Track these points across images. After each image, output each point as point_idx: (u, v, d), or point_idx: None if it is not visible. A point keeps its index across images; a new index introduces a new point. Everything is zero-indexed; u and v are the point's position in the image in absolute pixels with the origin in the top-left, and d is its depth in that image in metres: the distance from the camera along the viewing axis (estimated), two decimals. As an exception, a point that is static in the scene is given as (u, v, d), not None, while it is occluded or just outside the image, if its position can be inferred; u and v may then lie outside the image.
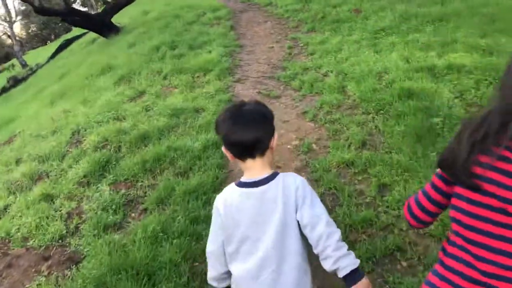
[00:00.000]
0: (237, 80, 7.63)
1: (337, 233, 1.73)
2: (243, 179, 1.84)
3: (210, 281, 1.98)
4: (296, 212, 1.75)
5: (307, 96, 6.59)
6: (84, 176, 5.12)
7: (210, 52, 9.24)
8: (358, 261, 1.72)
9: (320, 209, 1.76)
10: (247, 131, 1.74)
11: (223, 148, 1.86)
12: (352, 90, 6.35)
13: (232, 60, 8.73)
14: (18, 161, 6.10)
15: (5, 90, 21.91)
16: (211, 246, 1.91)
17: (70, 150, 5.92)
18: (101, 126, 6.28)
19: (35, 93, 12.27)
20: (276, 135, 1.84)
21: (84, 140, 6.08)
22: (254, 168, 1.81)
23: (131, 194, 4.65)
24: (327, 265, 1.72)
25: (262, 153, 1.80)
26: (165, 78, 8.16)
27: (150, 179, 4.82)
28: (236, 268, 1.85)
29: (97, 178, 5.05)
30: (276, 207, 1.75)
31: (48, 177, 5.36)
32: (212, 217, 1.91)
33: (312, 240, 1.74)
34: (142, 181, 4.81)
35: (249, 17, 12.58)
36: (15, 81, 22.02)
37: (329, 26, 9.97)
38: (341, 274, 1.69)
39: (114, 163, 5.28)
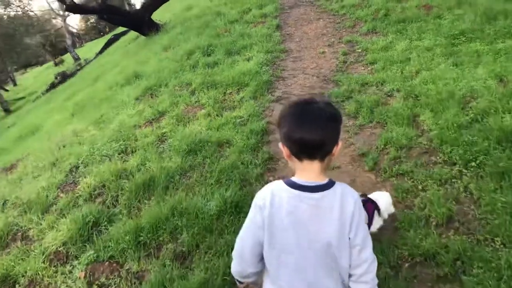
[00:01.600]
0: (276, 99, 6.08)
1: (376, 262, 1.67)
2: (296, 179, 1.63)
3: (234, 274, 1.81)
4: (350, 227, 1.61)
5: (365, 128, 4.95)
6: (63, 244, 3.78)
7: (248, 60, 7.73)
8: None
9: (368, 232, 1.66)
10: (313, 130, 1.56)
11: (280, 144, 1.65)
12: (428, 122, 4.65)
13: (273, 71, 7.18)
14: (4, 205, 4.87)
15: (53, 86, 21.43)
16: (245, 242, 1.70)
17: (60, 196, 4.64)
18: (103, 163, 4.95)
19: (65, 98, 11.25)
20: (340, 143, 1.62)
21: (80, 181, 4.76)
22: (311, 171, 1.62)
23: (111, 286, 3.25)
24: None
25: (322, 158, 1.62)
26: (192, 93, 6.74)
27: (140, 261, 3.40)
28: (278, 275, 1.68)
29: (78, 250, 3.71)
30: (332, 217, 1.60)
31: (22, 238, 4.08)
32: (252, 212, 1.68)
33: (356, 261, 1.64)
34: (129, 264, 3.40)
35: (299, 13, 10.93)
36: (63, 77, 21.48)
37: (393, 26, 8.17)
38: None
39: (103, 225, 3.94)
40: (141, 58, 9.85)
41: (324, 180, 1.65)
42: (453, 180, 3.71)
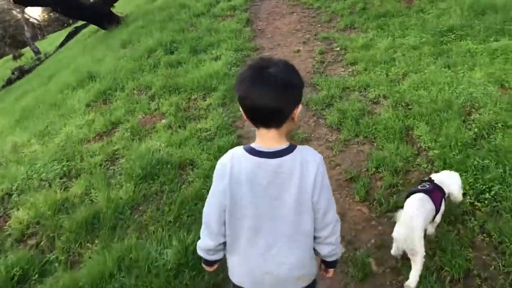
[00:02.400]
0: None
1: (339, 223, 1.68)
2: (255, 145, 1.59)
3: (200, 251, 1.77)
4: (312, 191, 1.57)
5: (351, 144, 4.23)
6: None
7: (216, 59, 6.90)
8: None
9: (331, 193, 1.64)
10: (265, 98, 1.48)
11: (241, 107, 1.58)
12: (424, 139, 3.96)
13: (244, 72, 6.36)
14: None
15: (10, 82, 20.01)
16: (210, 210, 1.68)
17: (-16, 235, 3.73)
18: (41, 191, 4.07)
19: (17, 98, 10.17)
20: (300, 107, 1.56)
21: (12, 214, 3.89)
22: (268, 138, 1.57)
23: None
24: (326, 250, 1.68)
25: (279, 125, 1.55)
26: (152, 98, 5.89)
27: None
28: (238, 243, 1.67)
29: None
30: (290, 183, 1.56)
31: None
32: (214, 181, 1.64)
33: (321, 224, 1.62)
34: None
35: (271, 6, 10.12)
36: (21, 72, 20.07)
37: (373, 22, 7.47)
38: (332, 259, 1.73)
39: (33, 279, 3.11)
40: (98, 55, 8.88)
41: (284, 145, 1.58)
42: (464, 217, 3.02)
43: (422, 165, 3.65)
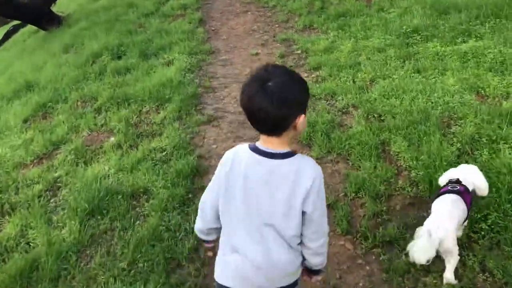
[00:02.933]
0: (207, 119, 4.81)
1: (328, 233, 1.73)
2: (259, 144, 1.64)
3: (197, 232, 1.88)
4: (303, 201, 1.58)
5: (324, 162, 3.84)
6: None
7: (169, 64, 6.35)
8: None
9: (325, 206, 1.66)
10: (263, 112, 1.51)
11: None
12: (404, 156, 3.61)
13: (200, 79, 5.88)
14: None
15: None
16: (207, 195, 1.77)
17: None
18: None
19: None
20: (302, 116, 1.56)
21: None
22: (269, 141, 1.61)
23: None
24: (317, 261, 1.73)
25: (279, 134, 1.59)
26: (98, 112, 5.29)
27: None
28: (228, 236, 1.71)
29: None
30: (283, 186, 1.59)
31: None
32: (216, 170, 1.72)
33: (314, 234, 1.65)
34: None
35: (224, 5, 9.60)
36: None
37: (333, 22, 7.12)
38: (318, 267, 1.78)
39: None
40: (37, 61, 8.08)
41: (285, 150, 1.61)
42: (462, 252, 2.67)
43: (406, 189, 3.30)
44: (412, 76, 4.88)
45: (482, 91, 4.26)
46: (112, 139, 4.59)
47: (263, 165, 1.61)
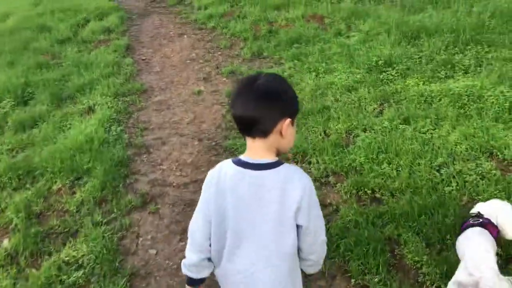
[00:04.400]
0: (142, 202, 3.56)
1: (326, 243, 1.60)
2: (242, 157, 1.53)
3: (184, 269, 1.65)
4: (295, 213, 1.45)
5: (311, 279, 2.68)
6: None
7: (89, 111, 4.98)
8: None
9: (322, 217, 1.54)
10: (246, 108, 1.44)
11: None
12: (425, 270, 2.54)
13: (129, 134, 4.58)
14: None
15: None
16: (196, 224, 1.60)
17: None
18: None
19: None
20: (288, 121, 1.45)
21: None
22: (254, 149, 1.50)
23: None
24: (312, 270, 1.65)
25: (263, 136, 1.47)
26: (-9, 193, 3.81)
27: None
28: (221, 258, 1.57)
29: None
30: (271, 199, 1.47)
31: None
32: (202, 191, 1.59)
33: (312, 247, 1.54)
34: None
35: (154, 26, 8.28)
36: None
37: (286, 49, 6.06)
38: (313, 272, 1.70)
39: None
40: None
41: (270, 159, 1.49)
42: None
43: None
44: (399, 128, 3.86)
45: (499, 154, 3.30)
46: (5, 242, 3.20)
47: (247, 178, 1.49)
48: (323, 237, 1.56)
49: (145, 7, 9.92)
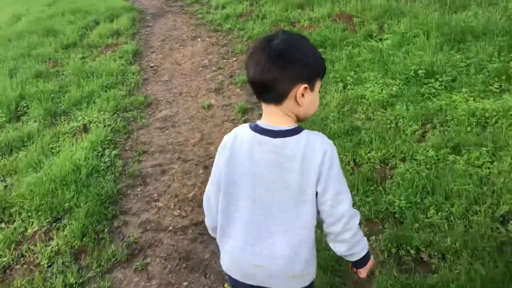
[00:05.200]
0: (128, 254, 2.90)
1: (358, 217, 1.45)
2: (259, 122, 1.43)
3: (209, 230, 1.66)
4: (317, 181, 1.37)
5: None
6: None
7: (83, 131, 4.36)
8: (367, 243, 1.48)
9: (345, 185, 1.42)
10: (258, 71, 1.34)
11: None
12: None
13: (125, 161, 3.92)
14: None
15: None
16: (209, 188, 1.56)
17: None
18: None
19: None
20: (302, 87, 1.33)
21: None
22: (271, 115, 1.40)
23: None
24: (341, 249, 1.45)
25: (277, 101, 1.37)
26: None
27: None
28: (229, 227, 1.47)
29: None
30: (292, 167, 1.37)
31: None
32: (216, 157, 1.51)
33: (330, 218, 1.40)
34: None
35: (167, 27, 7.64)
36: None
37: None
38: (353, 258, 1.48)
39: None
40: None
41: (290, 126, 1.39)
42: None
43: None
44: (448, 160, 3.08)
45: None
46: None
47: (264, 145, 1.40)
48: (345, 208, 1.39)
49: (160, 6, 9.30)
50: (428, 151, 3.21)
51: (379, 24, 5.81)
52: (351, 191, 2.98)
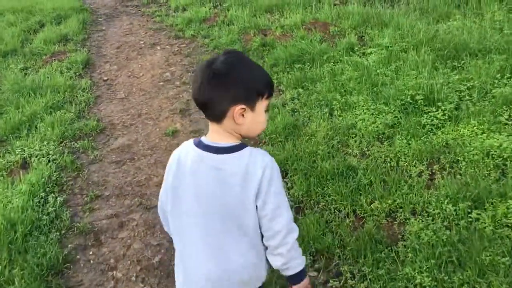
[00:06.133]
0: None
1: (297, 232, 1.47)
2: (203, 139, 1.46)
3: (170, 235, 1.60)
4: (256, 195, 1.40)
5: None
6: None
7: (21, 169, 3.57)
8: (305, 259, 1.52)
9: (285, 199, 1.44)
10: (197, 91, 1.40)
11: None
12: None
13: (73, 212, 3.19)
14: None
15: None
16: (160, 201, 1.58)
17: None
18: None
19: None
20: (238, 108, 1.36)
21: None
22: (214, 132, 1.44)
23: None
24: (277, 263, 1.48)
25: (216, 120, 1.41)
26: None
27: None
28: (179, 244, 1.52)
29: None
30: (233, 183, 1.40)
31: None
32: (165, 172, 1.52)
33: (268, 232, 1.44)
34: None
35: (122, 31, 6.82)
36: None
37: (285, 70, 4.71)
38: (288, 273, 1.51)
39: None
40: None
41: (231, 143, 1.43)
42: None
43: None
44: (471, 217, 2.55)
45: None
46: None
47: (207, 161, 1.41)
48: (282, 223, 1.41)
49: (114, 6, 8.42)
50: (443, 203, 2.66)
51: (358, 34, 5.28)
52: (356, 257, 2.41)
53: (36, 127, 4.13)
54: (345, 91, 4.10)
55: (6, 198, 3.16)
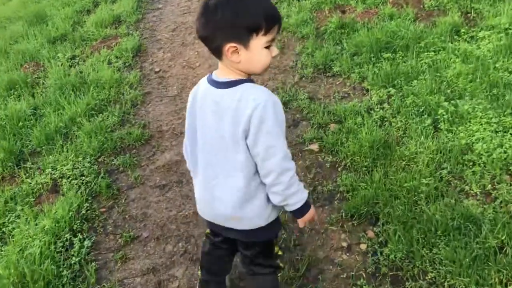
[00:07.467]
0: None
1: (292, 170, 1.46)
2: (212, 74, 1.50)
3: (191, 174, 1.70)
4: (245, 133, 1.40)
5: None
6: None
7: (49, 193, 2.94)
8: (306, 194, 1.54)
9: (278, 139, 1.40)
10: (198, 26, 1.39)
11: None
12: None
13: (103, 262, 2.51)
14: None
15: None
16: (185, 135, 1.63)
17: None
18: None
19: None
20: (228, 46, 1.34)
21: None
22: (220, 68, 1.47)
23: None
24: (275, 200, 1.51)
25: (217, 56, 1.42)
26: None
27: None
28: (194, 170, 1.64)
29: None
30: (225, 117, 1.43)
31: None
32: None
33: (261, 170, 1.46)
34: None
35: (180, 9, 6.06)
36: None
37: (369, 61, 3.73)
38: (289, 209, 1.54)
39: None
40: None
41: (232, 78, 1.43)
42: None
43: None
44: None
45: None
46: None
47: (210, 95, 1.47)
48: (275, 163, 1.41)
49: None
50: None
51: (462, 10, 4.11)
52: None
53: (73, 137, 3.50)
54: (452, 92, 3.06)
55: (26, 240, 2.55)
